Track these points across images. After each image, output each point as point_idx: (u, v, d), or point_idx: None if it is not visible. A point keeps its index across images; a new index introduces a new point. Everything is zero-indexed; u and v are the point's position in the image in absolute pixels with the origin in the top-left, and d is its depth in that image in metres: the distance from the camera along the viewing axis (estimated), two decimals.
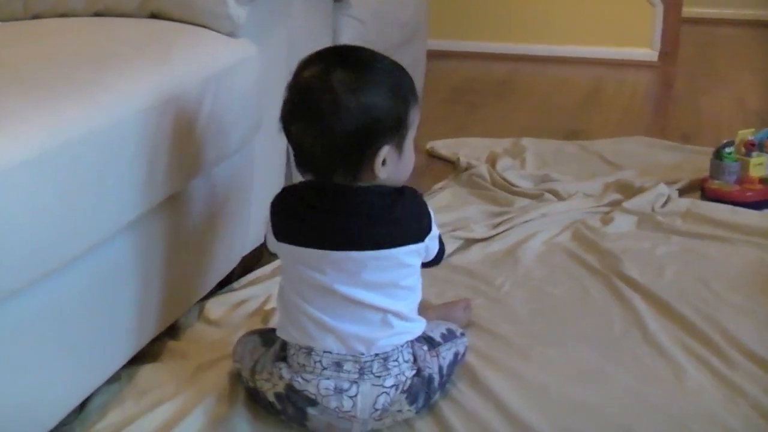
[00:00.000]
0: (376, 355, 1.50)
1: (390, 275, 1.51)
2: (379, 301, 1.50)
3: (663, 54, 4.62)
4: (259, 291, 2.06)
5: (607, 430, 1.55)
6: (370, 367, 1.50)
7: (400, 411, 1.54)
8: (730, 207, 2.52)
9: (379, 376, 1.50)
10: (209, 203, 1.87)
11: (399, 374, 1.52)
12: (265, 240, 1.63)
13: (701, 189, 2.66)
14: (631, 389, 1.68)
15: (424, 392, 1.56)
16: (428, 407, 1.60)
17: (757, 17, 5.20)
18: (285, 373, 1.52)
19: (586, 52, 4.63)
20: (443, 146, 3.12)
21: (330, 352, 1.50)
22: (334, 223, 1.49)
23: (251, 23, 1.93)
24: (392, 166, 1.48)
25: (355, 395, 1.49)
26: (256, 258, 2.21)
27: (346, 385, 1.49)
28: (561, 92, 4.10)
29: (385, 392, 1.51)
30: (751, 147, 2.64)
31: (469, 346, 1.74)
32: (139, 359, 1.73)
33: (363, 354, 1.50)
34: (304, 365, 1.51)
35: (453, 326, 1.72)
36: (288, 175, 2.32)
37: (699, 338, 1.84)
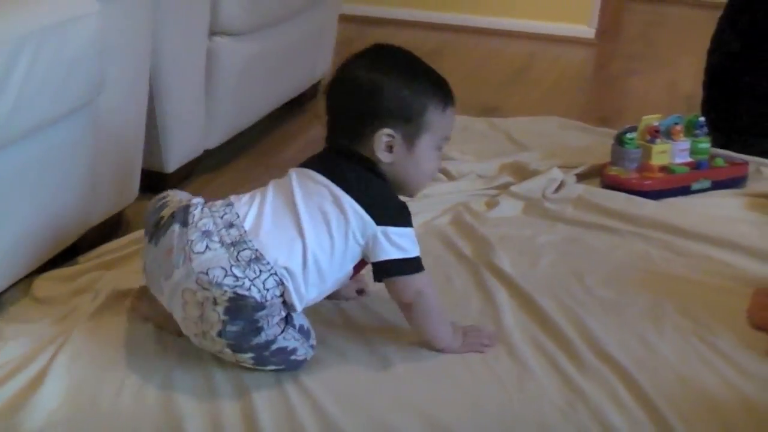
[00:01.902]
0: (257, 250, 1.50)
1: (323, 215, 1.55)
2: (306, 230, 1.54)
3: (601, 32, 4.49)
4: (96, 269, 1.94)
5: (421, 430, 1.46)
6: (242, 248, 1.51)
7: (211, 332, 1.50)
8: (626, 195, 2.41)
9: (237, 261, 1.49)
10: (40, 167, 1.74)
11: (247, 280, 1.48)
12: None
13: (600, 175, 2.54)
14: (465, 391, 1.58)
15: (241, 336, 1.50)
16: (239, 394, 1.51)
17: None
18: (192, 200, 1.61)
19: (522, 26, 4.49)
20: None
21: (237, 216, 1.55)
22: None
23: None
24: (399, 156, 1.59)
25: (203, 251, 1.50)
26: (112, 230, 2.10)
27: (214, 239, 1.51)
28: (490, 66, 3.98)
29: (221, 276, 1.48)
30: (655, 134, 2.53)
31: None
32: None
33: (251, 240, 1.51)
34: (212, 205, 1.58)
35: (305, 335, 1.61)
36: (154, 137, 2.21)
37: (554, 336, 1.74)
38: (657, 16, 5.22)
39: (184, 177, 2.45)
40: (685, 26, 4.85)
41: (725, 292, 1.95)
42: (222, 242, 1.51)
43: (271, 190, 1.61)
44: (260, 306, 1.49)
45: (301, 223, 1.54)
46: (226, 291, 1.47)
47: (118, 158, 2.02)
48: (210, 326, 1.50)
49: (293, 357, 1.57)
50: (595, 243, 2.16)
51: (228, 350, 1.53)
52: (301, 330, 1.58)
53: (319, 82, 3.28)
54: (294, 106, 3.12)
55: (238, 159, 2.68)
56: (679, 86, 3.71)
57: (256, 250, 1.51)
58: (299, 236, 1.54)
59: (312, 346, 1.60)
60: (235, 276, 1.48)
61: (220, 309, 1.48)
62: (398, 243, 1.57)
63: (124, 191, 2.10)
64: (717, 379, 1.63)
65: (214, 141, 2.51)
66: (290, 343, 1.56)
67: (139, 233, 2.05)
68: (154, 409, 1.50)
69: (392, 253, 1.57)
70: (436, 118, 1.60)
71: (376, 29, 4.46)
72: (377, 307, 1.81)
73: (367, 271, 1.65)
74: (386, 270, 1.59)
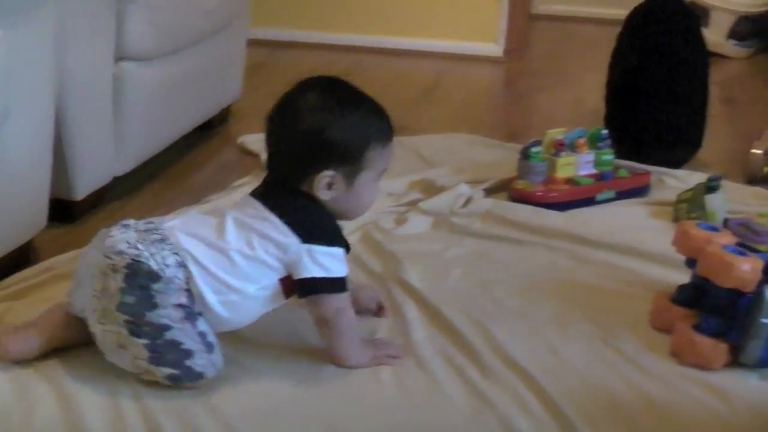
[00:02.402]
0: (164, 232, 1.59)
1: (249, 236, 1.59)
2: (226, 229, 1.59)
3: (509, 50, 4.56)
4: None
5: None
6: (152, 232, 1.58)
7: (111, 306, 1.54)
8: (532, 208, 2.46)
9: (143, 240, 1.56)
10: None
11: (147, 252, 1.54)
12: None
13: (507, 189, 2.59)
14: (375, 404, 1.60)
15: (137, 309, 1.53)
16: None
17: (611, 16, 5.14)
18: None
19: (431, 46, 4.55)
20: (255, 141, 3.00)
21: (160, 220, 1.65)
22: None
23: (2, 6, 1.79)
24: (339, 193, 1.62)
25: (116, 235, 1.58)
26: (20, 260, 2.08)
27: (130, 228, 1.59)
28: (400, 86, 4.02)
29: (125, 247, 1.55)
30: (560, 147, 2.58)
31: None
32: None
33: (162, 228, 1.60)
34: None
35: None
36: (62, 164, 2.20)
37: (463, 348, 1.77)
38: (563, 33, 5.33)
39: (95, 204, 2.44)
40: (589, 43, 4.94)
41: (628, 297, 2.00)
42: (136, 229, 1.59)
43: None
44: (156, 276, 1.53)
45: (223, 224, 1.60)
46: (125, 257, 1.54)
47: (25, 187, 2.01)
48: (109, 299, 1.54)
49: (189, 362, 1.56)
50: (503, 255, 2.21)
51: (125, 332, 1.54)
52: (203, 337, 1.58)
53: (229, 107, 3.29)
54: (204, 131, 3.12)
55: (149, 185, 2.68)
56: (585, 101, 3.78)
57: (164, 232, 1.59)
58: (214, 231, 1.60)
59: (214, 364, 1.60)
60: (137, 248, 1.55)
61: (119, 276, 1.53)
62: (321, 262, 1.60)
63: (32, 220, 2.09)
64: (621, 381, 1.68)
65: (124, 167, 2.50)
66: (186, 342, 1.56)
67: (48, 262, 2.05)
68: None
69: (314, 271, 1.60)
70: (376, 155, 1.64)
71: (286, 53, 4.48)
72: (289, 324, 1.82)
73: None
74: (308, 287, 1.62)
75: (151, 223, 1.62)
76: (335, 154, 1.60)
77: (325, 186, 1.61)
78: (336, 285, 1.63)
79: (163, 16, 2.46)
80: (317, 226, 1.61)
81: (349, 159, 1.61)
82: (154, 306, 1.54)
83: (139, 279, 1.53)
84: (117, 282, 1.53)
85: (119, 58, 2.38)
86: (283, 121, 1.64)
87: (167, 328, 1.55)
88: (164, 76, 2.58)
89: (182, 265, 1.55)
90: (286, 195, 1.63)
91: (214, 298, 1.59)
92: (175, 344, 1.56)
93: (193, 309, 1.58)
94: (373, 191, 1.70)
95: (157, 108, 2.57)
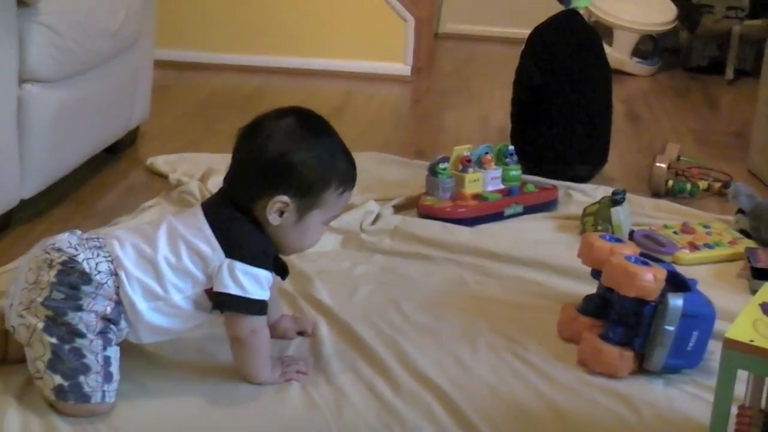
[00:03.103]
0: (102, 240, 1.64)
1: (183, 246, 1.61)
2: (158, 239, 1.62)
3: (416, 69, 4.60)
4: None
5: None
6: (91, 240, 1.64)
7: (38, 299, 1.56)
8: (441, 224, 2.48)
9: (82, 244, 1.62)
10: None
11: (83, 255, 1.59)
12: None
13: (416, 206, 2.61)
14: (285, 420, 1.60)
15: (61, 306, 1.56)
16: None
17: (515, 35, 5.23)
18: None
19: (338, 65, 4.55)
20: (164, 162, 2.98)
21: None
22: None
23: None
24: (287, 223, 1.63)
25: (60, 237, 1.63)
26: None
27: (74, 235, 1.65)
28: (308, 106, 3.86)
29: (65, 245, 1.60)
30: (467, 163, 2.61)
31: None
32: None
33: (102, 237, 1.66)
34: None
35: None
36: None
37: (372, 362, 1.78)
38: (468, 53, 5.37)
39: (2, 228, 2.40)
40: (495, 62, 4.99)
41: (536, 309, 2.03)
42: (80, 236, 1.65)
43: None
44: (87, 278, 1.57)
45: (156, 232, 1.63)
46: (62, 254, 1.58)
47: None
48: (39, 292, 1.56)
49: (82, 378, 1.55)
50: (412, 271, 2.22)
51: (40, 326, 1.55)
52: (106, 361, 1.58)
53: (137, 129, 3.26)
54: (112, 153, 3.09)
55: (57, 207, 2.64)
56: (491, 119, 3.83)
57: (102, 240, 1.63)
58: (147, 239, 1.62)
59: (105, 394, 1.57)
60: (75, 249, 1.60)
61: (53, 272, 1.57)
62: (240, 280, 1.59)
63: None
64: (529, 391, 1.71)
65: (30, 190, 2.46)
66: (89, 358, 1.56)
67: None
68: None
69: (231, 288, 1.59)
70: (332, 198, 1.65)
71: (193, 74, 4.45)
72: (197, 342, 1.81)
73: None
74: (222, 302, 1.61)
75: (96, 235, 1.67)
76: (294, 180, 1.60)
77: (277, 211, 1.61)
78: (251, 306, 1.61)
79: (66, 37, 2.42)
80: (244, 243, 1.61)
81: (306, 191, 1.62)
82: (79, 308, 1.56)
83: (71, 278, 1.56)
84: (49, 276, 1.56)
85: (23, 80, 2.35)
86: (252, 139, 1.63)
87: (80, 335, 1.55)
88: (69, 98, 2.55)
89: (114, 274, 1.59)
90: (230, 210, 1.63)
91: (144, 304, 1.60)
92: (78, 355, 1.55)
93: (112, 328, 1.59)
94: (318, 233, 1.71)
95: (63, 130, 2.54)
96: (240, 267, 1.59)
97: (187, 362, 1.76)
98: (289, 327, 1.88)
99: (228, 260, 1.59)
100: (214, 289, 1.61)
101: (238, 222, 1.62)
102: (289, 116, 1.65)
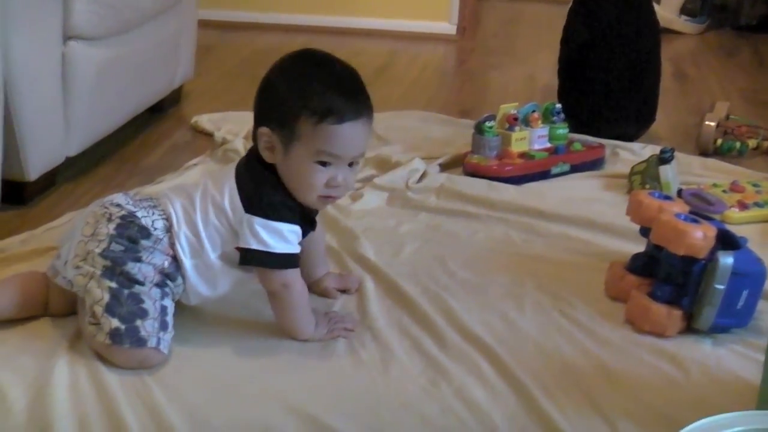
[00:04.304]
0: (156, 200, 1.68)
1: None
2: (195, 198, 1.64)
3: (461, 29, 4.56)
4: None
5: (288, 420, 1.46)
6: (144, 199, 1.67)
7: (96, 250, 1.58)
8: (487, 182, 2.46)
9: (137, 202, 1.65)
10: None
11: (141, 211, 1.63)
12: None
13: (462, 164, 2.59)
14: (331, 378, 1.59)
15: (121, 257, 1.58)
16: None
17: None
18: None
19: (383, 24, 4.54)
20: (208, 121, 2.98)
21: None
22: None
23: None
24: (279, 160, 1.58)
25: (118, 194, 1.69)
26: None
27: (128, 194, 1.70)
28: (352, 65, 3.99)
29: (123, 201, 1.65)
30: (513, 121, 2.59)
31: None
32: None
33: (155, 197, 1.69)
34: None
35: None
36: (12, 146, 2.17)
37: (419, 319, 1.77)
38: (515, 13, 5.33)
39: (48, 185, 2.41)
40: (541, 22, 4.95)
41: (583, 267, 2.01)
42: (132, 196, 1.69)
43: None
44: (147, 232, 1.60)
45: (195, 192, 1.65)
46: (121, 209, 1.62)
47: None
48: (97, 243, 1.59)
49: (139, 322, 1.55)
50: (457, 229, 2.21)
51: (98, 273, 1.57)
52: (163, 310, 1.59)
53: (181, 88, 3.26)
54: (156, 112, 3.09)
55: (101, 166, 2.65)
56: (537, 79, 3.80)
57: (154, 200, 1.67)
58: (188, 199, 1.64)
59: (159, 341, 1.57)
60: (133, 206, 1.63)
61: (112, 225, 1.60)
62: (260, 235, 1.57)
63: None
64: (576, 349, 1.69)
65: (75, 148, 2.47)
66: (148, 303, 1.57)
67: (2, 243, 2.02)
68: (21, 416, 1.46)
69: (251, 243, 1.58)
70: (307, 130, 1.54)
71: (237, 34, 4.45)
72: (241, 300, 1.80)
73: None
74: (246, 258, 1.61)
75: (148, 196, 1.71)
76: (271, 111, 1.59)
77: (265, 145, 1.59)
78: (277, 260, 1.60)
79: None
80: (263, 196, 1.59)
81: (282, 121, 1.56)
82: (138, 260, 1.58)
83: (130, 231, 1.60)
84: (108, 229, 1.59)
85: (67, 37, 2.34)
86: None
87: (139, 282, 1.57)
88: (113, 56, 2.55)
89: (168, 231, 1.62)
90: (253, 163, 1.63)
91: (190, 261, 1.62)
92: (137, 299, 1.56)
93: (168, 283, 1.62)
94: (311, 172, 1.57)
95: (107, 88, 2.54)
96: (259, 222, 1.57)
97: (234, 319, 1.76)
98: (332, 285, 1.86)
99: (247, 216, 1.59)
100: (239, 246, 1.60)
101: (258, 176, 1.61)
102: (295, 56, 1.64)
